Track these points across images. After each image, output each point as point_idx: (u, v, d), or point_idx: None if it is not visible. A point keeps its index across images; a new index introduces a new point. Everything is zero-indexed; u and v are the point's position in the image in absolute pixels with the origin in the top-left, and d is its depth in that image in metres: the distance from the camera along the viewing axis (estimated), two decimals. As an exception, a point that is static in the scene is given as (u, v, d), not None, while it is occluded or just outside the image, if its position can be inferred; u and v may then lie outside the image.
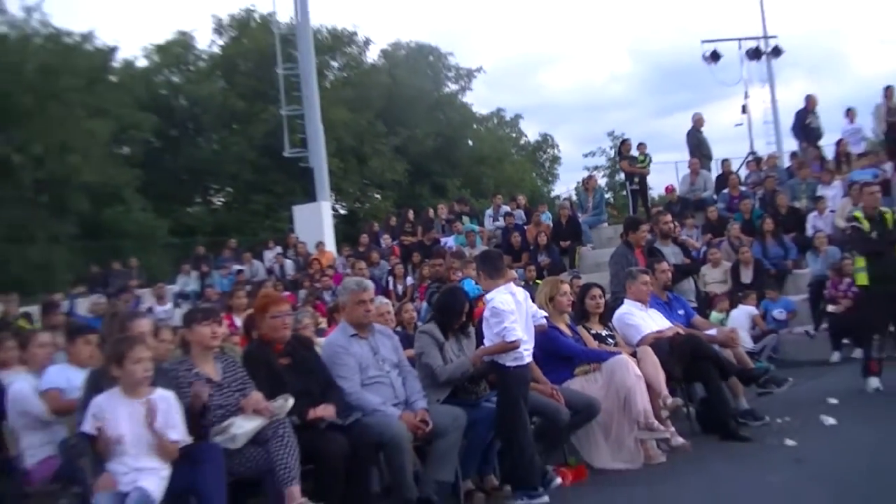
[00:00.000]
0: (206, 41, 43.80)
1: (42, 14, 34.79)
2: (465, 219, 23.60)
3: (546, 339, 8.87)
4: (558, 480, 8.03)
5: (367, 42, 46.60)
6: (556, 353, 9.02)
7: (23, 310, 16.67)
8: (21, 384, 7.91)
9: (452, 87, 49.56)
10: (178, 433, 6.21)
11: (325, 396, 7.37)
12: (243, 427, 6.63)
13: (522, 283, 15.83)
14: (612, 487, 8.18)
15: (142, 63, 42.44)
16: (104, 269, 27.05)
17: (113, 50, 38.88)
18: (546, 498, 7.70)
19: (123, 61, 40.74)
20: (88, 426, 6.13)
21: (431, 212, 25.62)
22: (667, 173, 26.05)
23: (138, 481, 5.97)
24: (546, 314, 9.05)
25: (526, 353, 7.89)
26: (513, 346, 7.73)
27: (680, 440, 8.96)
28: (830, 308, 14.91)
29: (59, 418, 7.52)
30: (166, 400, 6.25)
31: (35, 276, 30.51)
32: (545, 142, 58.04)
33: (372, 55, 47.16)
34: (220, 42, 43.58)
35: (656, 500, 7.69)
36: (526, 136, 56.84)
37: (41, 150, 31.13)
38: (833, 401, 10.50)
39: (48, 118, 31.61)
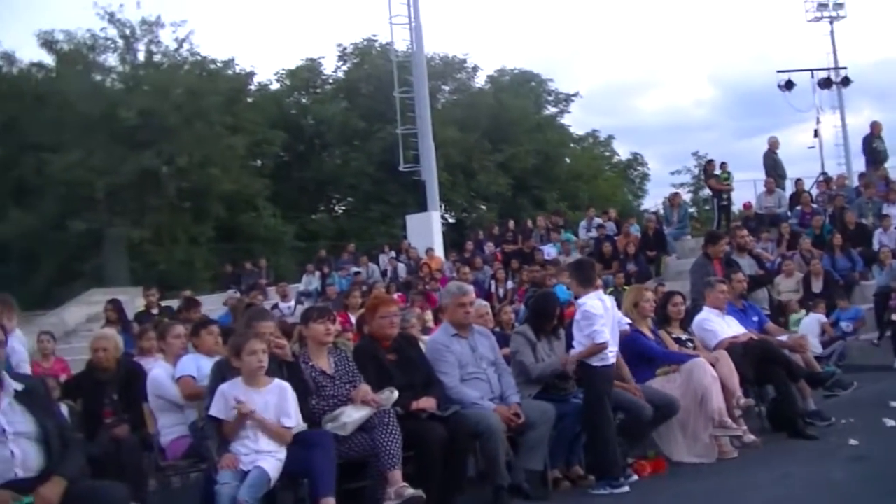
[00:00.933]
0: (332, 67, 44.21)
1: (190, 45, 35.65)
2: (562, 230, 23.57)
3: (630, 342, 8.83)
4: (635, 477, 7.95)
5: (475, 68, 46.67)
6: (639, 355, 8.94)
7: (165, 304, 16.97)
8: (159, 371, 8.10)
9: (552, 109, 49.33)
10: (292, 420, 6.28)
11: (427, 390, 7.39)
12: (352, 416, 6.69)
13: (612, 289, 15.78)
14: (687, 479, 8.08)
15: (274, 86, 43.08)
16: (237, 269, 27.47)
17: (250, 74, 39.61)
18: (627, 488, 7.63)
19: (259, 84, 41.46)
20: (216, 410, 6.27)
21: (531, 222, 25.61)
22: (745, 191, 25.62)
23: (257, 462, 6.04)
24: (630, 319, 9.03)
25: (611, 355, 7.85)
26: (601, 348, 7.71)
27: (751, 437, 8.80)
28: (895, 317, 14.60)
29: (190, 402, 7.65)
30: (283, 390, 6.33)
31: (177, 273, 31.13)
32: (635, 160, 57.41)
33: (480, 80, 47.20)
34: (344, 68, 43.91)
35: (728, 492, 7.54)
36: (618, 155, 56.32)
37: (185, 163, 31.73)
38: (895, 404, 10.23)
39: (192, 134, 32.22)
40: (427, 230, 26.88)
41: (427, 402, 7.21)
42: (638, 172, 57.29)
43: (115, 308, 14.93)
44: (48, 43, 34.61)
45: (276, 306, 19.06)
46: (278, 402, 6.25)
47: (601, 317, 7.75)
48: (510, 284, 19.70)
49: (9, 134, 32.47)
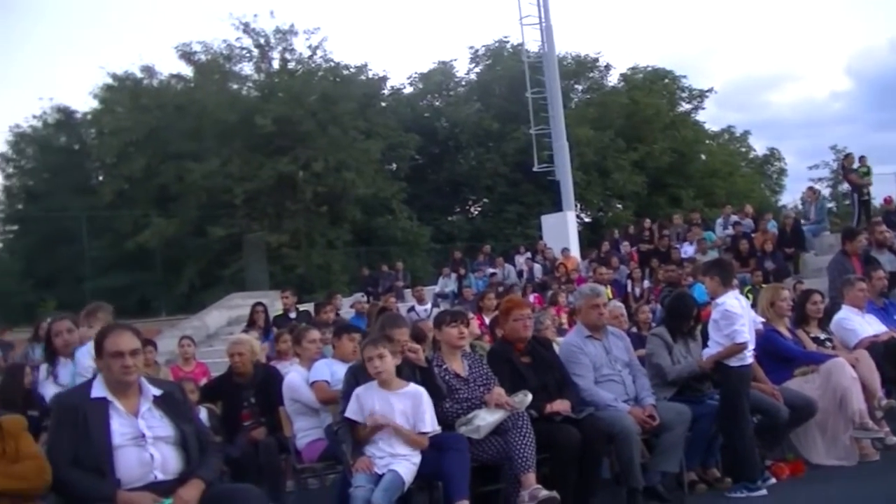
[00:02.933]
0: (464, 69, 44.40)
1: (324, 51, 36.28)
2: (700, 228, 23.23)
3: (767, 342, 8.64)
4: (773, 480, 7.78)
5: (607, 67, 46.30)
6: (776, 355, 8.72)
7: (302, 307, 17.24)
8: (294, 375, 8.24)
9: (686, 106, 48.56)
10: (427, 425, 6.32)
11: (562, 392, 7.34)
12: (486, 419, 6.68)
13: (749, 287, 15.47)
14: (827, 482, 7.87)
15: (408, 90, 43.49)
16: (374, 271, 27.79)
17: (383, 79, 40.08)
18: (764, 491, 7.47)
19: (392, 89, 41.90)
20: (351, 412, 6.35)
21: (667, 221, 25.29)
22: (885, 185, 24.86)
23: (392, 465, 6.10)
24: (767, 318, 8.84)
25: (748, 355, 7.71)
26: (741, 348, 7.58)
27: (894, 439, 8.48)
28: None
29: (325, 406, 7.77)
30: (418, 395, 6.39)
31: (315, 276, 31.66)
32: (772, 156, 56.27)
33: (612, 79, 46.82)
34: (476, 70, 44.03)
35: (869, 496, 7.35)
36: (754, 151, 55.27)
37: (321, 168, 32.23)
38: None
39: (327, 140, 32.69)
40: (562, 230, 26.80)
41: (561, 405, 7.15)
42: (775, 168, 56.22)
43: (264, 310, 15.26)
44: (186, 55, 35.69)
45: (412, 309, 19.20)
46: (413, 407, 6.30)
47: (741, 316, 7.63)
48: (646, 284, 19.48)
49: (151, 144, 33.54)
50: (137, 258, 31.84)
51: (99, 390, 5.20)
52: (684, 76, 49.00)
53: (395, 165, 38.62)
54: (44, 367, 8.01)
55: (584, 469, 6.97)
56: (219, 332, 22.67)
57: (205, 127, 33.25)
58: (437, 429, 6.47)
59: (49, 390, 7.29)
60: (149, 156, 33.51)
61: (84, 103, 47.63)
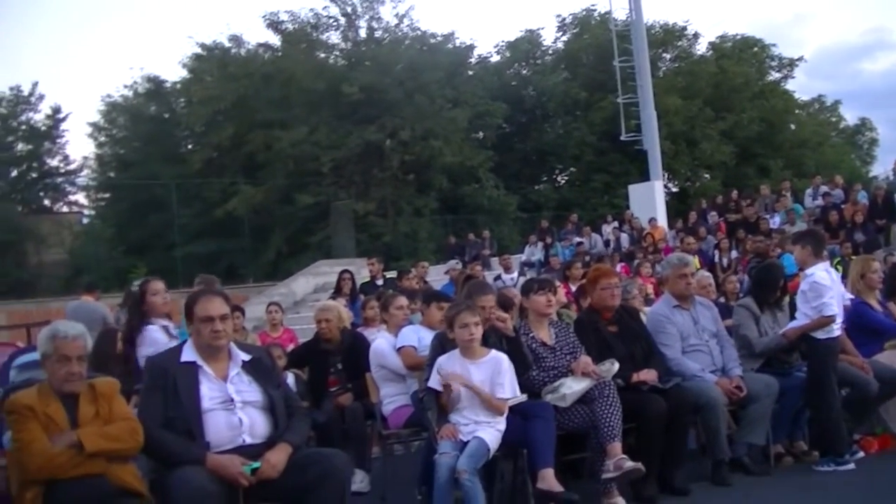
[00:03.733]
0: (551, 38, 44.01)
1: (411, 20, 36.27)
2: (789, 198, 22.88)
3: (856, 314, 8.52)
4: (861, 454, 7.66)
5: (696, 35, 45.43)
6: (865, 328, 8.57)
7: (388, 275, 17.32)
8: (381, 341, 8.28)
9: (775, 75, 47.54)
10: (506, 391, 6.31)
11: (648, 362, 7.32)
12: (572, 388, 6.69)
13: (838, 259, 15.23)
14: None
15: (494, 59, 43.19)
16: (460, 240, 27.83)
17: (470, 48, 39.85)
18: (852, 465, 7.39)
19: (479, 57, 41.65)
20: (434, 382, 6.38)
21: (755, 191, 24.93)
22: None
23: (476, 432, 6.12)
24: (856, 291, 8.69)
25: (836, 328, 7.60)
26: (829, 321, 7.49)
27: None
28: None
29: (411, 373, 7.81)
30: (499, 362, 6.38)
31: (402, 244, 31.77)
32: (863, 125, 55.12)
33: (701, 47, 45.99)
34: (564, 38, 43.61)
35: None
36: (845, 121, 54.19)
37: (408, 136, 32.26)
38: None
39: (414, 108, 32.69)
40: (650, 200, 26.56)
41: (648, 374, 7.14)
42: (866, 138, 55.12)
43: (350, 277, 15.36)
44: (274, 24, 35.89)
45: (498, 277, 19.20)
46: (493, 373, 6.30)
47: (830, 288, 7.53)
48: (734, 254, 19.26)
49: (239, 112, 33.88)
50: (226, 225, 32.21)
51: (189, 354, 5.30)
52: (774, 44, 48.03)
53: (481, 134, 38.46)
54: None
55: (670, 440, 6.96)
56: (306, 298, 22.92)
57: (292, 95, 33.46)
58: (520, 396, 6.48)
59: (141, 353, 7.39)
60: (237, 124, 33.84)
61: (174, 73, 48.31)
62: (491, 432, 6.16)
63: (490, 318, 6.73)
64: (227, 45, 36.86)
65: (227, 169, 34.41)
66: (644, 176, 28.74)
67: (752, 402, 7.49)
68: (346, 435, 8.21)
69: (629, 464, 6.39)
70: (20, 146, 35.77)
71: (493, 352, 6.44)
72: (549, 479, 6.24)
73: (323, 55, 36.59)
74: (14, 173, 35.44)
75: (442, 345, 6.63)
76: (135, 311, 7.57)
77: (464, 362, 6.34)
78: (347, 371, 8.75)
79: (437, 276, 19.63)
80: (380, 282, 15.88)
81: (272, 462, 5.03)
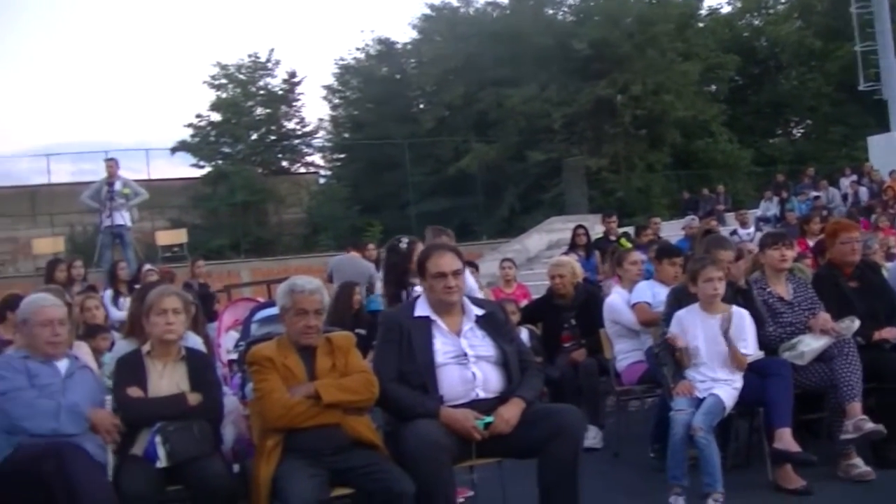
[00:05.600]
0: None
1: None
2: None
3: None
4: None
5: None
6: None
7: (622, 230, 17.12)
8: (615, 296, 8.17)
9: None
10: (749, 347, 6.11)
11: (891, 319, 6.91)
12: (811, 345, 6.43)
13: None
14: None
15: (725, 9, 41.82)
16: (694, 195, 27.28)
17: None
18: None
19: (709, 9, 40.41)
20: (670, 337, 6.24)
21: None
22: None
23: (713, 389, 5.98)
24: None
25: None
26: None
27: None
28: None
29: (645, 328, 7.65)
30: (740, 316, 6.17)
31: (634, 200, 31.36)
32: None
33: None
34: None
35: None
36: None
37: (639, 91, 31.73)
38: None
39: (645, 62, 32.12)
40: (891, 151, 25.17)
41: (890, 332, 6.77)
42: None
43: (585, 233, 15.24)
44: (502, -19, 35.87)
45: (734, 232, 18.66)
46: (735, 329, 6.09)
47: None
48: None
49: (469, 71, 34.05)
50: (458, 183, 32.50)
51: (422, 309, 5.33)
52: None
53: (713, 87, 37.44)
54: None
55: (917, 402, 6.56)
56: (539, 255, 22.94)
57: (521, 53, 33.38)
58: (759, 353, 6.30)
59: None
60: (467, 83, 34.03)
61: (404, 34, 48.98)
62: (727, 390, 6.01)
63: (728, 273, 6.51)
64: (456, 4, 37.08)
65: (458, 127, 34.68)
66: (884, 127, 27.42)
67: None
68: (579, 391, 8.17)
69: (869, 425, 6.08)
70: (259, 111, 36.97)
71: (734, 307, 6.23)
72: (786, 439, 6.03)
73: (551, 11, 36.31)
74: (253, 137, 36.66)
75: (678, 299, 6.50)
76: (400, 271, 7.67)
77: (704, 316, 6.18)
78: (581, 326, 8.71)
79: (671, 231, 19.21)
80: (613, 238, 15.68)
81: (505, 417, 5.01)
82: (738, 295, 6.57)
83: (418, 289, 7.24)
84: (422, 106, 37.58)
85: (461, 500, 5.83)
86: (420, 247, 7.54)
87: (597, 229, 17.80)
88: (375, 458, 4.93)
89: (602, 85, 31.74)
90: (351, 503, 4.96)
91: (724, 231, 17.69)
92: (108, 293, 12.46)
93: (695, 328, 6.18)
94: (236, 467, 5.46)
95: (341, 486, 4.90)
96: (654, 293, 7.71)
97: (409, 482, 4.70)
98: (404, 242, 7.40)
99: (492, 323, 5.39)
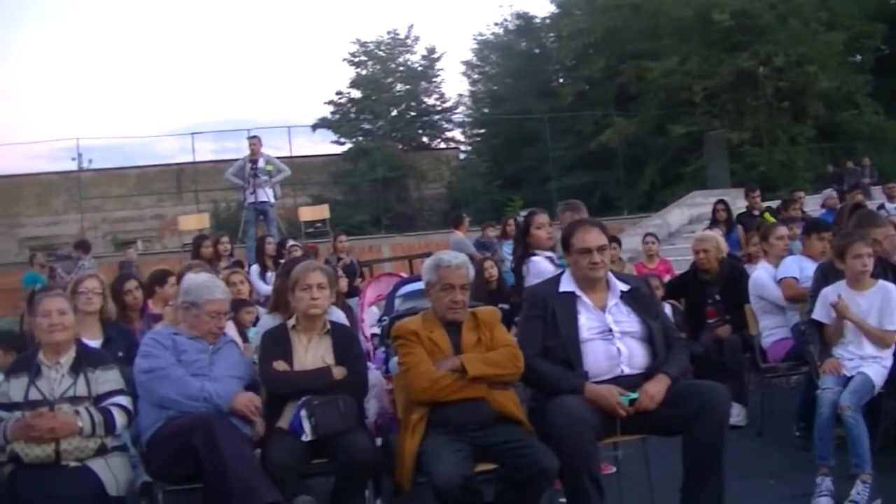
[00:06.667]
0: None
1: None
2: None
3: None
4: None
5: None
6: None
7: (766, 204, 16.75)
8: (761, 272, 7.97)
9: None
10: (895, 324, 5.89)
11: None
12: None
13: None
14: None
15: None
16: (838, 168, 26.51)
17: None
18: None
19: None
20: (817, 314, 6.07)
21: None
22: None
23: (861, 367, 5.79)
24: None
25: None
26: None
27: None
28: None
29: (792, 305, 7.45)
30: (888, 292, 5.96)
31: (777, 173, 30.60)
32: None
33: None
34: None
35: None
36: None
37: (782, 62, 30.87)
38: None
39: (787, 33, 31.22)
40: None
41: None
42: None
43: (725, 208, 14.95)
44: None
45: (881, 206, 18.05)
46: (882, 304, 5.90)
47: None
48: None
49: (608, 44, 33.70)
50: (599, 157, 32.23)
51: (567, 284, 5.29)
52: None
53: (859, 57, 36.13)
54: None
55: None
56: (680, 230, 22.62)
57: (661, 25, 32.81)
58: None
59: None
60: (607, 56, 33.65)
61: (542, 9, 48.65)
62: (877, 368, 5.81)
63: (881, 248, 6.28)
64: (596, -23, 36.67)
65: (598, 101, 34.34)
66: None
67: None
68: (723, 367, 8.02)
69: None
70: (398, 87, 37.33)
71: (881, 282, 6.02)
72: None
73: (691, -18, 35.63)
74: (393, 113, 37.02)
75: (826, 275, 6.32)
76: (520, 243, 7.66)
77: (850, 293, 5.98)
78: (725, 302, 8.57)
79: (814, 206, 18.68)
80: (757, 212, 15.32)
81: (650, 393, 4.94)
82: (889, 271, 6.34)
83: (535, 259, 7.22)
84: (561, 80, 37.38)
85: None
86: (539, 219, 7.51)
87: (738, 204, 17.45)
88: (520, 434, 4.92)
89: (744, 57, 30.98)
90: (495, 478, 4.94)
91: (871, 205, 17.16)
92: (255, 268, 12.75)
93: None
94: (379, 441, 5.53)
95: (485, 461, 4.91)
96: (801, 268, 7.49)
97: (554, 458, 4.68)
98: (521, 215, 7.39)
99: (637, 298, 5.31)
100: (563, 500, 4.97)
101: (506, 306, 8.51)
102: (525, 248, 7.51)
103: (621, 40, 33.38)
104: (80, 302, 6.35)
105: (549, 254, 7.47)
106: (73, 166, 31.05)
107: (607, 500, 4.89)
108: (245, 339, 6.85)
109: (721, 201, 15.22)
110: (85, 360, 5.23)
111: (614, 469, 5.89)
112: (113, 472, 4.97)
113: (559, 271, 5.71)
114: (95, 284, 6.64)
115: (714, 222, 14.64)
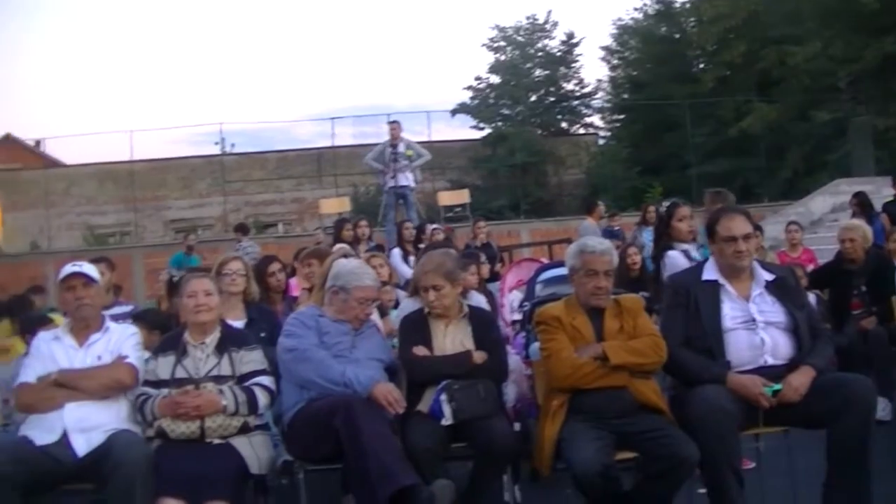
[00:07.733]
0: None
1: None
2: None
3: None
4: None
5: None
6: None
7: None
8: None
9: None
10: None
11: None
12: None
13: None
14: None
15: None
16: None
17: None
18: None
19: None
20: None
21: None
22: None
23: None
24: None
25: None
26: None
27: None
28: None
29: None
30: None
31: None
32: None
33: None
34: None
35: None
36: None
37: (932, 46, 29.84)
38: None
39: (939, 14, 30.16)
40: None
41: None
42: None
43: (859, 202, 14.48)
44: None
45: None
46: None
47: None
48: None
49: (750, 29, 32.94)
50: (740, 144, 31.56)
51: (710, 273, 5.21)
52: None
53: None
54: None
55: None
56: (823, 218, 22.05)
57: (804, 9, 31.92)
58: None
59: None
60: (749, 41, 32.91)
61: (683, -7, 47.88)
62: None
63: None
64: (738, -38, 35.90)
65: (739, 87, 33.63)
66: None
67: None
68: (868, 360, 7.78)
69: None
70: (537, 72, 37.15)
71: None
72: None
73: (837, -35, 34.59)
74: (533, 98, 36.87)
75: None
76: (661, 234, 7.57)
77: None
78: (872, 293, 8.31)
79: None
80: (906, 203, 14.82)
81: (794, 385, 4.82)
82: None
83: (672, 253, 7.11)
84: (702, 65, 36.72)
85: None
86: (681, 211, 7.39)
87: (884, 192, 16.90)
88: (660, 423, 4.87)
89: (890, 41, 29.90)
90: (634, 467, 4.91)
91: None
92: (397, 251, 12.88)
93: None
94: (517, 426, 5.53)
95: (625, 449, 4.87)
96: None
97: (694, 448, 4.62)
98: (663, 205, 7.28)
99: (782, 288, 5.20)
100: (703, 490, 4.89)
101: (647, 294, 8.42)
102: (664, 240, 7.41)
103: (763, 25, 32.61)
104: (225, 283, 6.51)
105: (686, 247, 7.33)
106: (216, 150, 31.98)
107: (748, 493, 4.80)
108: (385, 315, 6.95)
109: (857, 194, 14.73)
110: (229, 341, 5.38)
111: (754, 465, 5.77)
112: (255, 450, 5.10)
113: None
114: (239, 266, 6.79)
115: (854, 215, 14.19)
